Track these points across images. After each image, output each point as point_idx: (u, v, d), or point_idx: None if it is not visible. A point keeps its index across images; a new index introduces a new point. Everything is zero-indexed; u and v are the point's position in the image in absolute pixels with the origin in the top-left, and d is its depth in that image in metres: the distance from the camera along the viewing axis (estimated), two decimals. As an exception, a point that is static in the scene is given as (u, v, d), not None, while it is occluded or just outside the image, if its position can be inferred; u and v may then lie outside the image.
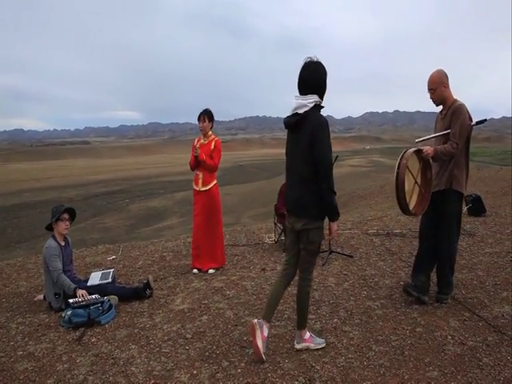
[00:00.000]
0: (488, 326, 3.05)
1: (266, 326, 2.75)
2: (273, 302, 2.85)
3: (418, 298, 3.43)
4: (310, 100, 2.56)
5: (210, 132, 4.82)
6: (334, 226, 2.67)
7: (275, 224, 5.96)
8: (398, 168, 3.08)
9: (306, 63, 2.61)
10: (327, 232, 2.75)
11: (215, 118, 4.87)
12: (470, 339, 2.88)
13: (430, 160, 3.31)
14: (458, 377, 2.46)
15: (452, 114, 3.27)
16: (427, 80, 3.39)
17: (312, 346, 2.85)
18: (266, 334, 2.74)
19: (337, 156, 5.34)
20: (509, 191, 9.88)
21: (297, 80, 2.64)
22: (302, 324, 2.86)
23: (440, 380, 2.44)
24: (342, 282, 4.13)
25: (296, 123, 2.62)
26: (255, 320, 2.73)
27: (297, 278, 2.87)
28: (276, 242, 5.87)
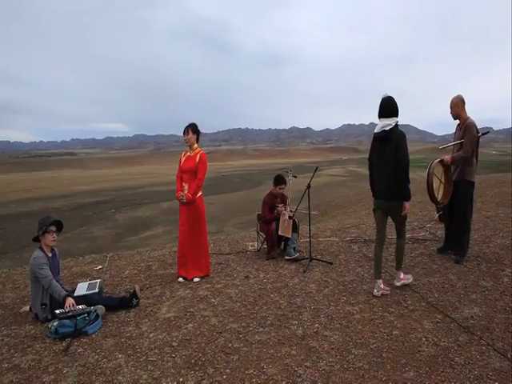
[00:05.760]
0: (459, 327, 3.21)
1: (381, 283, 3.97)
2: (379, 264, 4.05)
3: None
4: (393, 121, 3.76)
5: (196, 145, 4.87)
6: (407, 204, 3.82)
7: (258, 232, 6.05)
8: (427, 175, 4.44)
9: (384, 98, 3.80)
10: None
11: (200, 131, 4.91)
12: (442, 340, 3.03)
13: (450, 164, 4.64)
14: (433, 376, 2.59)
15: (465, 129, 4.59)
16: (450, 101, 4.68)
17: (406, 281, 4.10)
18: (383, 286, 3.98)
19: (316, 167, 5.55)
20: (475, 198, 10.17)
21: (378, 108, 3.82)
22: (399, 265, 4.12)
23: (416, 380, 2.56)
24: (322, 288, 4.24)
25: (386, 137, 3.79)
26: (375, 291, 3.93)
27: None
28: (259, 250, 5.96)
